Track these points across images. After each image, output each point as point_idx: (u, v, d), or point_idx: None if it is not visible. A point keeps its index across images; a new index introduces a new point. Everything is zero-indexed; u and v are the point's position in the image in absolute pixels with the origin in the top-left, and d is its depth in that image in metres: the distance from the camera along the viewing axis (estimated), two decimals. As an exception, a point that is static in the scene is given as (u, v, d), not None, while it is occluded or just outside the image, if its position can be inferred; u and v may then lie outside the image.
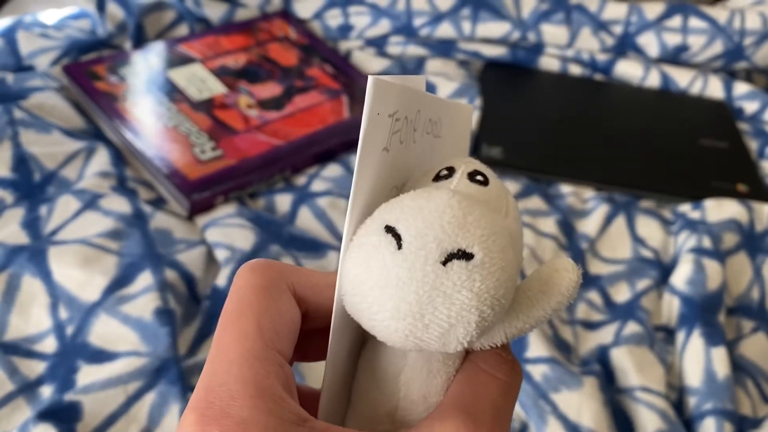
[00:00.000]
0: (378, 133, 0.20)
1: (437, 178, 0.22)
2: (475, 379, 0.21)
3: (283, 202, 0.57)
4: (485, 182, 0.22)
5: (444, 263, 0.18)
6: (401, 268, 0.19)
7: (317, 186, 0.58)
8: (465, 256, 0.18)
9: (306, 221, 0.55)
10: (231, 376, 0.19)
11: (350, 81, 0.68)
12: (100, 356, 0.44)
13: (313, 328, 0.23)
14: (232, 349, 0.19)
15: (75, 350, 0.44)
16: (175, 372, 0.43)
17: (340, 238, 0.54)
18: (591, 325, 0.52)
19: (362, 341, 0.23)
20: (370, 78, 0.19)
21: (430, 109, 0.23)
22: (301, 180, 0.59)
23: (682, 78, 0.76)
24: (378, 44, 0.74)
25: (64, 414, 0.40)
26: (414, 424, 0.21)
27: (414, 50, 0.73)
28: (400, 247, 0.19)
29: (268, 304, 0.21)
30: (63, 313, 0.45)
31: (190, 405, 0.19)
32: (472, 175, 0.22)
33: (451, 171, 0.22)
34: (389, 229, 0.19)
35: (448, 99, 0.25)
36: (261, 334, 0.20)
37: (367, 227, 0.20)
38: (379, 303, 0.19)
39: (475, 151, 0.64)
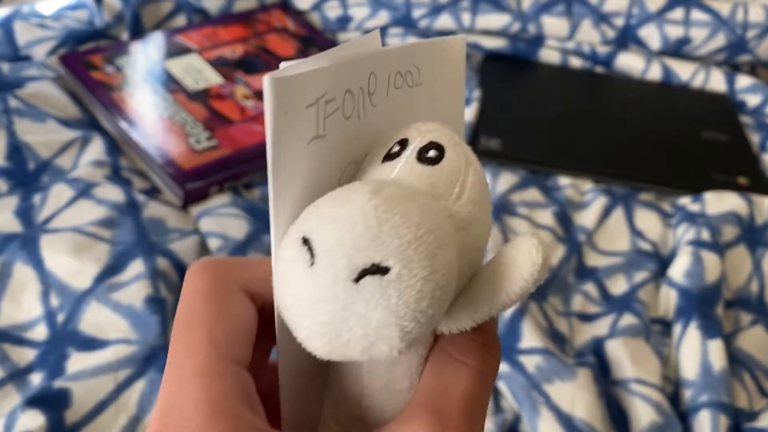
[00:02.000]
0: (294, 130, 0.19)
1: (388, 156, 0.20)
2: (444, 369, 0.20)
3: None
4: (437, 159, 0.20)
5: (357, 280, 0.17)
6: (313, 287, 0.17)
7: (313, 176, 0.57)
8: (379, 270, 0.17)
9: (301, 211, 0.55)
10: (185, 396, 0.18)
11: (348, 72, 0.68)
12: (91, 344, 0.44)
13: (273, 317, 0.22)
14: (185, 366, 0.19)
15: (65, 338, 0.44)
16: (165, 360, 0.43)
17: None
18: (587, 317, 0.52)
19: None
20: (265, 78, 0.17)
21: (392, 64, 0.21)
22: (296, 170, 0.58)
23: (684, 71, 0.75)
24: (377, 36, 0.73)
25: (53, 401, 0.40)
26: (380, 411, 0.21)
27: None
28: (313, 263, 0.17)
29: (219, 311, 0.20)
30: (54, 301, 0.45)
31: (150, 423, 0.19)
32: (423, 151, 0.20)
33: (403, 145, 0.20)
34: (305, 242, 0.18)
35: (428, 40, 0.23)
36: (213, 346, 0.19)
37: (288, 236, 0.18)
38: (297, 321, 0.18)
39: (473, 143, 0.63)
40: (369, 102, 0.21)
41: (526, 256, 0.19)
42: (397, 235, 0.17)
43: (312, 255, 0.17)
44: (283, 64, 0.19)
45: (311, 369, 0.22)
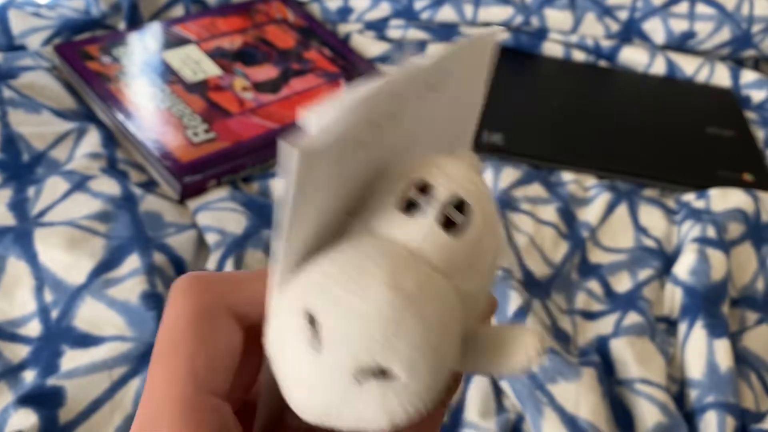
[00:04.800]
0: (316, 180, 0.17)
1: (408, 206, 0.19)
2: None
3: (277, 186, 0.55)
4: (462, 228, 0.19)
5: (359, 379, 0.17)
6: (314, 373, 0.17)
7: (313, 170, 0.56)
8: (384, 374, 0.17)
9: (300, 206, 0.54)
10: (161, 426, 0.18)
11: (349, 64, 0.67)
12: (85, 340, 0.43)
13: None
14: (164, 395, 0.18)
15: (60, 334, 0.43)
16: (161, 357, 0.42)
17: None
18: (590, 315, 0.51)
19: None
20: (293, 150, 0.16)
21: (418, 82, 0.20)
22: (296, 164, 0.57)
23: (689, 65, 0.74)
24: (378, 27, 0.72)
25: (46, 399, 0.39)
26: None
27: (415, 34, 0.72)
28: (316, 349, 0.17)
29: (202, 339, 0.19)
30: (48, 296, 0.44)
31: None
32: (447, 213, 0.19)
33: (425, 192, 0.19)
34: (311, 319, 0.17)
35: (458, 44, 0.20)
36: (193, 377, 0.19)
37: (292, 303, 0.18)
38: (290, 390, 0.18)
39: (475, 138, 0.62)
40: (393, 123, 0.20)
41: (525, 358, 0.19)
42: (410, 344, 0.17)
43: (317, 339, 0.17)
44: (308, 114, 0.17)
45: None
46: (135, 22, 0.66)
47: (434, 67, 0.20)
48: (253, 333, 0.20)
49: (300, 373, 0.17)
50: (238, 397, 0.22)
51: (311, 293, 0.17)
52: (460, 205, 0.19)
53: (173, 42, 0.64)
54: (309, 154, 0.16)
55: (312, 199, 0.18)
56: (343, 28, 0.72)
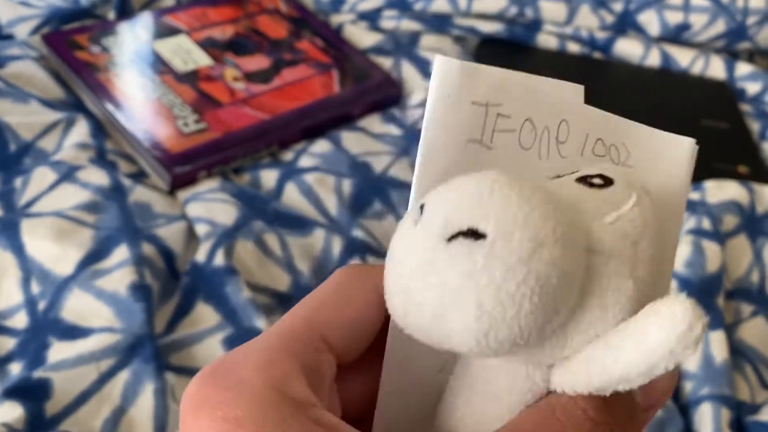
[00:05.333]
0: (453, 119, 0.18)
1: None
2: (542, 420, 0.18)
3: (268, 177, 0.55)
4: (601, 186, 0.18)
5: (449, 240, 0.16)
6: (408, 242, 0.17)
7: (305, 162, 0.56)
8: (474, 235, 0.16)
9: (292, 197, 0.53)
10: (254, 344, 0.18)
11: (341, 55, 0.66)
12: (73, 332, 0.42)
13: None
14: (273, 329, 0.19)
15: (47, 326, 0.42)
16: (150, 349, 0.41)
17: (327, 215, 0.52)
18: (585, 308, 0.51)
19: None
20: (436, 57, 0.18)
21: (593, 125, 0.20)
22: (288, 155, 0.57)
23: (683, 57, 0.74)
24: (371, 18, 0.71)
25: (33, 391, 0.38)
26: None
27: (408, 25, 0.71)
28: (417, 221, 0.17)
29: (345, 299, 0.20)
30: (35, 288, 0.43)
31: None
32: (587, 177, 0.18)
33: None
34: (421, 207, 0.17)
35: (648, 127, 0.21)
36: (311, 323, 0.19)
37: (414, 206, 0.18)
38: (387, 277, 0.17)
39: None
40: (557, 149, 0.20)
41: (669, 320, 0.15)
42: (505, 207, 0.16)
43: (420, 216, 0.17)
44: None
45: (416, 386, 0.20)
46: (125, 11, 0.65)
47: (607, 120, 0.21)
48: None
49: (398, 249, 0.17)
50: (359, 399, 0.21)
51: (433, 191, 0.17)
52: (603, 179, 0.18)
53: (164, 32, 0.63)
54: (448, 61, 0.18)
55: (449, 138, 0.18)
56: (335, 19, 0.71)
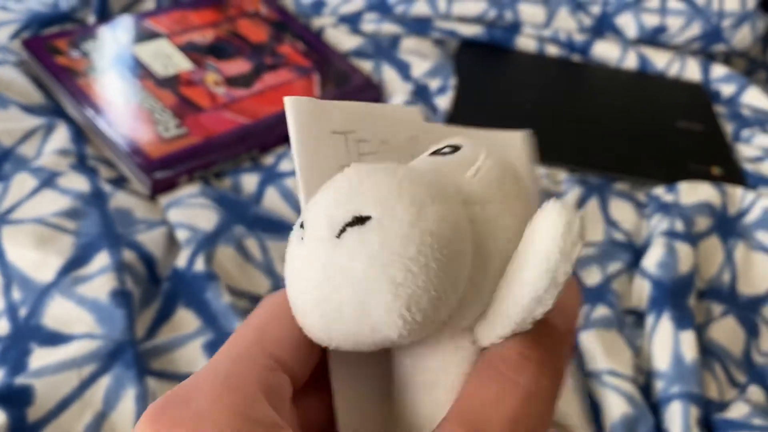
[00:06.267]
0: (323, 152, 0.19)
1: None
2: (487, 383, 0.18)
3: (249, 182, 0.55)
4: (450, 153, 0.19)
5: (339, 235, 0.16)
6: (301, 258, 0.17)
7: (285, 166, 0.56)
8: (359, 221, 0.16)
9: (273, 202, 0.54)
10: (209, 369, 0.17)
11: (322, 59, 0.67)
12: (54, 339, 0.42)
13: None
14: (223, 351, 0.18)
15: (28, 332, 0.42)
16: (131, 355, 0.42)
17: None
18: (561, 309, 0.52)
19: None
20: (286, 99, 0.19)
21: (439, 137, 0.21)
22: (268, 160, 0.57)
23: (660, 60, 0.75)
24: (352, 21, 0.72)
25: (14, 398, 0.39)
26: (413, 420, 0.19)
27: (389, 28, 0.72)
28: (302, 237, 0.17)
29: (286, 325, 0.19)
30: (16, 294, 0.44)
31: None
32: (437, 152, 0.20)
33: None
34: (301, 224, 0.17)
35: (485, 130, 0.22)
36: (259, 340, 0.18)
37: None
38: (293, 302, 0.18)
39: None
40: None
41: (547, 226, 0.16)
42: (378, 186, 0.17)
43: (303, 229, 0.17)
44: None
45: (366, 387, 0.21)
46: (105, 15, 0.65)
47: (450, 132, 0.22)
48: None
49: (294, 269, 0.17)
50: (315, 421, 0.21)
51: (304, 210, 0.18)
52: (452, 147, 0.20)
53: (144, 36, 0.63)
54: (299, 100, 0.19)
55: (324, 169, 0.19)
56: (316, 22, 0.72)
